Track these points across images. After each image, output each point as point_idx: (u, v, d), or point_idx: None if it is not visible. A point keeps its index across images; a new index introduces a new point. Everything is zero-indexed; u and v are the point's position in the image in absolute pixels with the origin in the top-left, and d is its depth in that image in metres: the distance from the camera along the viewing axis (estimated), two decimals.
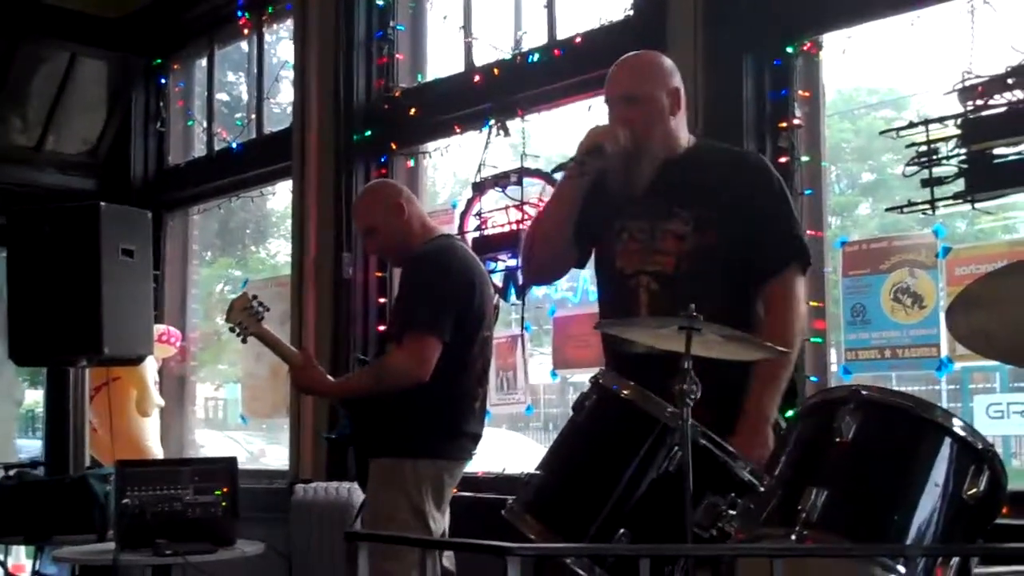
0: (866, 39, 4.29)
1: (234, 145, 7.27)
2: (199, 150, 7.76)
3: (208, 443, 9.07)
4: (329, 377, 4.13)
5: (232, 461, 4.72)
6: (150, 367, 6.57)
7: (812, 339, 4.29)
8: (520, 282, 5.24)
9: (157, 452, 6.67)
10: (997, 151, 3.68)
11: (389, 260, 4.51)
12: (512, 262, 5.29)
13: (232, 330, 4.19)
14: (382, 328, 5.91)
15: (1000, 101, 3.65)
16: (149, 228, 5.58)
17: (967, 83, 3.72)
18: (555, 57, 5.24)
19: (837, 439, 2.35)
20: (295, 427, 6.10)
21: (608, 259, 3.22)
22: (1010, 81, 3.61)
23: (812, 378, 4.27)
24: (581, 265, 3.42)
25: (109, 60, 7.68)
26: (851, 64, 4.38)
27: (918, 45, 4.67)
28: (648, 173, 3.16)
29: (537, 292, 5.37)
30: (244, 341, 4.22)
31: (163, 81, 7.84)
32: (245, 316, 4.16)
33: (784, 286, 3.04)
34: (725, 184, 3.08)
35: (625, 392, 2.66)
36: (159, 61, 7.79)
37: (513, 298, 5.34)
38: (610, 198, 3.20)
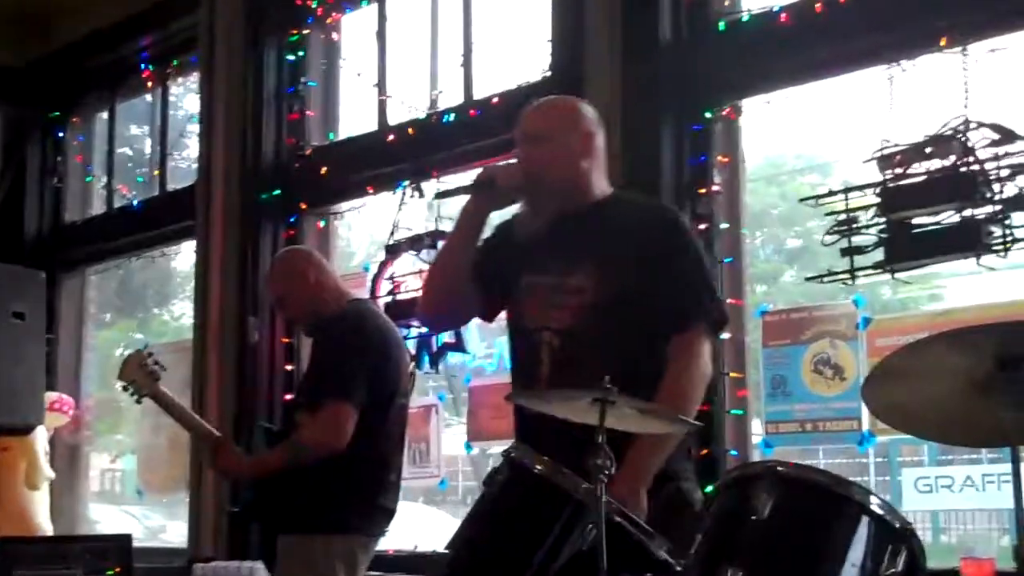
0: (789, 104, 4.39)
1: (135, 202, 7.21)
2: (98, 207, 7.68)
3: (103, 518, 8.87)
4: (245, 459, 4.11)
5: (126, 538, 4.63)
6: (40, 437, 6.42)
7: (732, 411, 4.34)
8: (436, 349, 5.24)
9: (47, 528, 6.50)
10: (916, 220, 3.78)
11: (301, 329, 4.49)
12: (426, 329, 5.29)
13: (125, 389, 4.14)
14: (289, 397, 5.86)
15: (919, 170, 3.75)
16: (42, 288, 5.48)
17: (885, 151, 3.83)
18: (471, 117, 5.29)
19: (753, 516, 2.36)
20: (195, 501, 6.01)
21: (516, 314, 3.19)
22: (928, 150, 3.71)
23: (732, 452, 4.31)
24: (486, 316, 3.37)
25: (3, 111, 7.59)
26: (777, 129, 4.49)
27: (841, 109, 4.82)
28: (552, 221, 3.12)
29: (453, 360, 5.37)
30: (138, 402, 4.17)
31: (61, 134, 7.76)
32: (140, 375, 4.11)
33: (685, 347, 2.97)
34: (633, 236, 3.04)
35: (538, 467, 2.65)
36: (57, 113, 7.71)
37: (427, 366, 5.33)
38: (519, 250, 3.18)
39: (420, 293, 3.36)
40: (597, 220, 3.08)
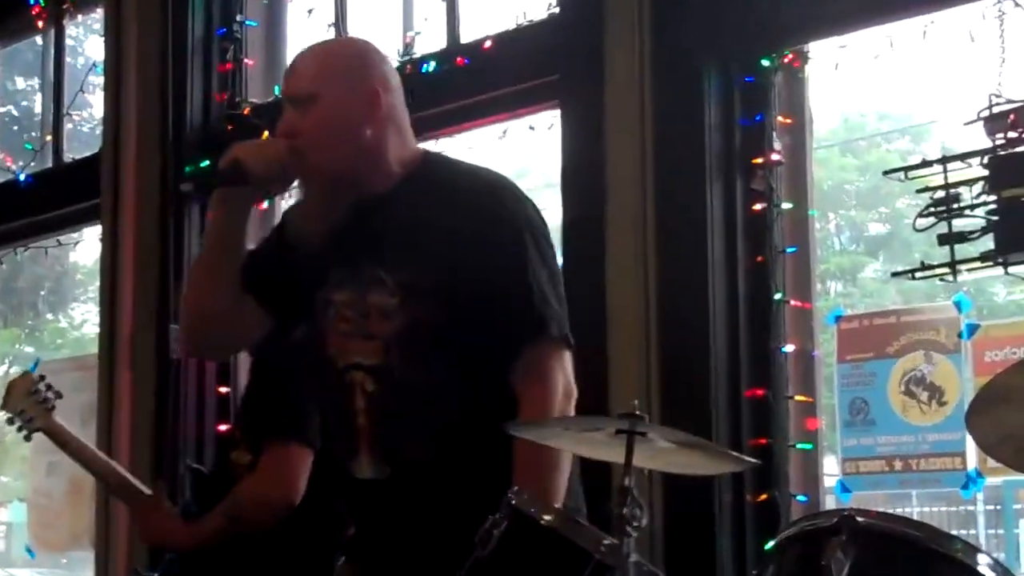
0: (871, 49, 4.38)
1: (22, 176, 7.20)
2: None
3: None
4: (183, 525, 4.10)
5: None
6: None
7: (799, 445, 4.35)
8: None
9: None
10: None
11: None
12: None
13: (10, 422, 4.15)
14: (223, 428, 5.86)
15: None
16: None
17: (995, 110, 3.83)
18: (457, 67, 5.30)
19: None
20: (102, 563, 6.03)
21: (317, 342, 3.06)
22: None
23: (800, 497, 4.32)
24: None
25: None
26: (855, 82, 4.47)
27: (938, 57, 4.81)
28: (339, 213, 2.95)
29: None
30: (27, 438, 4.18)
31: None
32: (29, 404, 4.13)
33: (536, 371, 2.86)
34: (444, 222, 2.88)
35: (547, 517, 2.67)
36: None
37: None
38: (303, 255, 3.03)
39: (182, 326, 3.25)
40: (395, 208, 2.94)
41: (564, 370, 2.88)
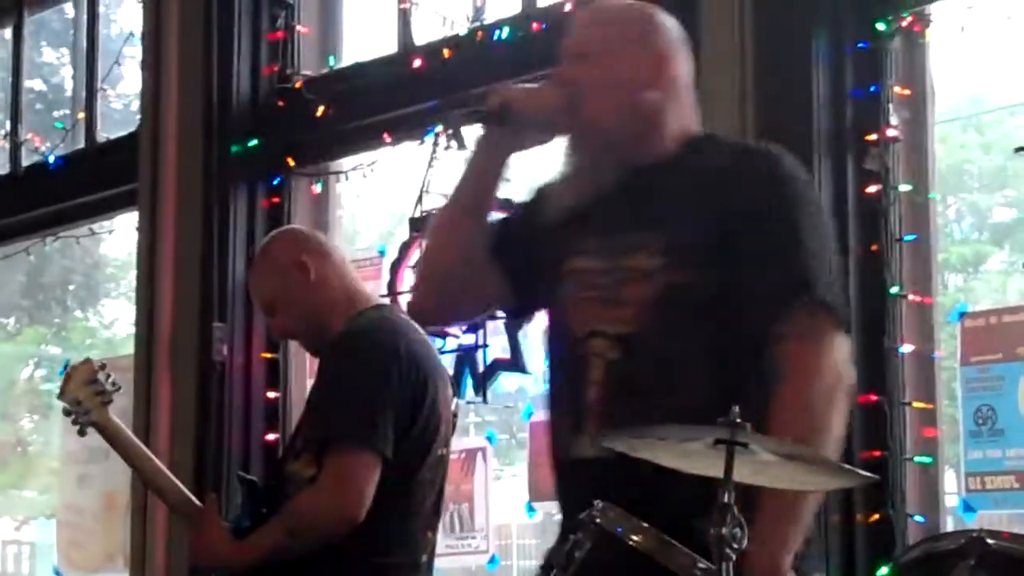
0: (1000, 11, 4.36)
1: (52, 158, 7.28)
2: None
3: None
4: (234, 542, 4.13)
5: None
6: None
7: (917, 458, 4.33)
8: (484, 368, 5.26)
9: None
10: None
11: (307, 348, 4.53)
12: (469, 338, 5.30)
13: (67, 413, 4.19)
14: (272, 437, 5.89)
15: None
16: None
17: None
18: (534, 33, 5.31)
19: None
20: None
21: (557, 315, 3.15)
22: None
23: (917, 517, 4.30)
24: (517, 312, 3.39)
25: None
26: (980, 49, 4.44)
27: None
28: (605, 180, 3.06)
29: (506, 386, 5.39)
30: (82, 433, 4.22)
31: None
32: (88, 394, 4.17)
33: (803, 347, 2.88)
34: (718, 193, 2.96)
35: (635, 538, 2.66)
36: None
37: (470, 393, 5.34)
38: (559, 223, 3.13)
39: (414, 277, 3.34)
40: (669, 176, 3.03)
41: (833, 345, 2.88)
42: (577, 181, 3.08)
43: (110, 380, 4.19)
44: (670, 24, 3.13)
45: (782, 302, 2.87)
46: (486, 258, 3.16)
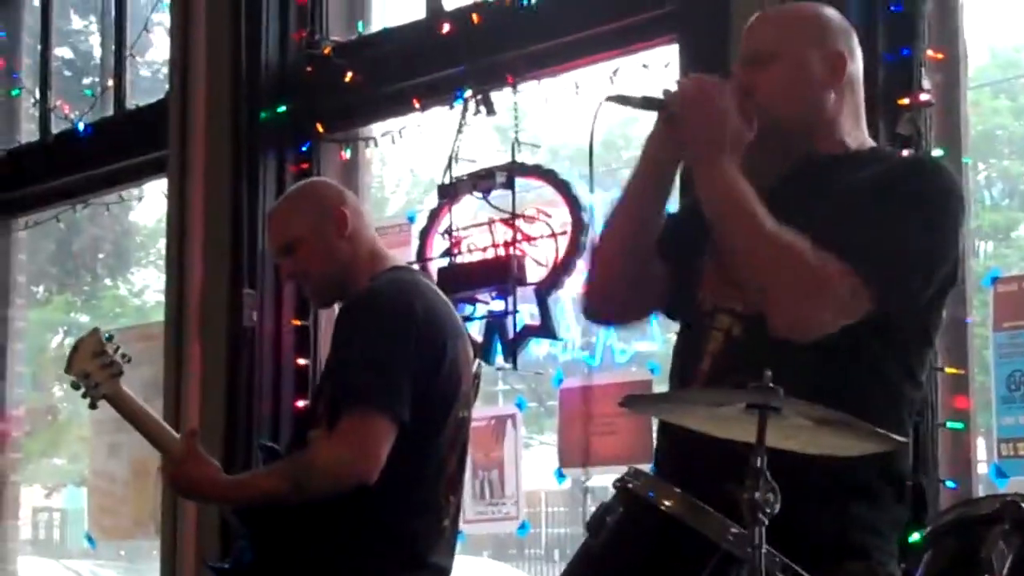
0: None
1: (81, 126, 7.29)
2: (28, 132, 7.79)
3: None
4: (222, 475, 4.12)
5: None
6: None
7: (949, 424, 4.31)
8: (514, 334, 5.26)
9: None
10: None
11: (315, 297, 4.51)
12: (499, 305, 5.30)
13: (75, 387, 4.19)
14: (301, 404, 5.90)
15: None
16: None
17: None
18: None
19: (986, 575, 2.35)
20: (168, 553, 6.09)
21: (687, 296, 3.19)
22: None
23: (949, 483, 4.28)
24: (670, 311, 3.36)
25: None
26: (1009, 10, 4.40)
27: None
28: (777, 175, 3.10)
29: (537, 351, 5.38)
30: (93, 406, 4.22)
31: None
32: (95, 366, 4.17)
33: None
34: (863, 194, 2.98)
35: (667, 503, 2.66)
36: None
37: (499, 360, 5.34)
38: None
39: (585, 274, 3.34)
40: (825, 177, 3.06)
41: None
42: (751, 174, 3.05)
43: (119, 352, 4.18)
44: (839, 19, 3.20)
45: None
46: (655, 260, 3.18)
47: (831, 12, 3.22)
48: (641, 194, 3.17)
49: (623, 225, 3.20)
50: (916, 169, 3.12)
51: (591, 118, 3.15)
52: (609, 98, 3.09)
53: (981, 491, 4.37)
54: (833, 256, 2.86)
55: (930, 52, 4.43)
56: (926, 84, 4.40)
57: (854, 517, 2.89)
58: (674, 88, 3.06)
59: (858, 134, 3.16)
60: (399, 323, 3.94)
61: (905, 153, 3.43)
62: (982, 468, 4.50)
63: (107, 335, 4.22)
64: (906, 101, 4.37)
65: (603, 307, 3.38)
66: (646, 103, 3.08)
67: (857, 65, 3.16)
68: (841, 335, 2.88)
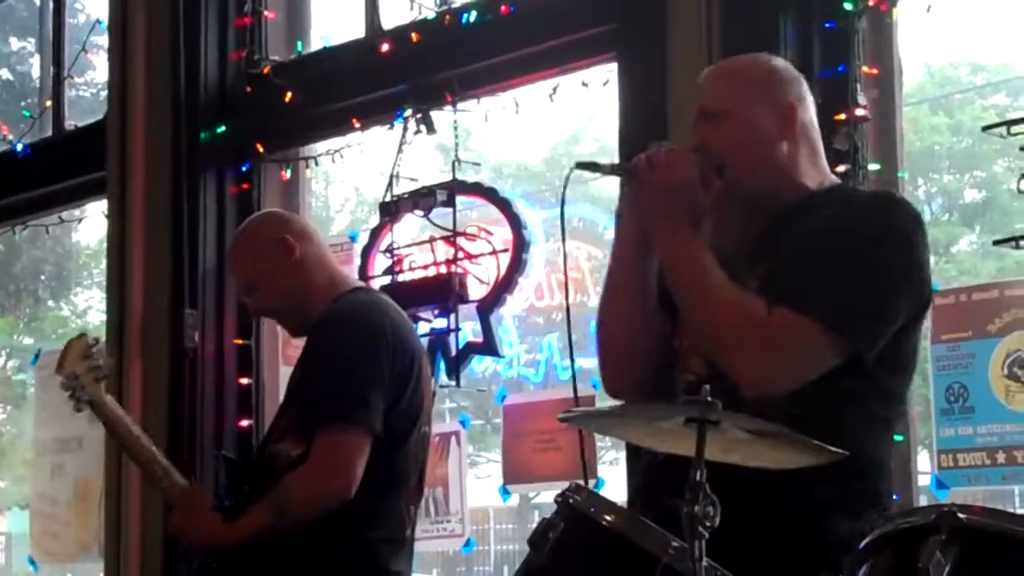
0: None
1: (20, 147, 7.25)
2: None
3: None
4: (221, 522, 4.13)
5: None
6: None
7: None
8: (457, 352, 5.26)
9: None
10: None
11: (288, 329, 4.54)
12: (441, 322, 5.30)
13: (65, 388, 4.19)
14: (245, 423, 5.89)
15: None
16: None
17: None
18: (502, 17, 5.28)
19: None
20: (112, 574, 6.06)
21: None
22: None
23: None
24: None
25: None
26: (945, 29, 4.43)
27: None
28: (745, 232, 3.14)
29: (477, 367, 5.39)
30: (78, 409, 4.23)
31: None
32: (84, 369, 4.18)
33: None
34: (809, 229, 3.03)
35: (608, 518, 2.66)
36: None
37: (443, 378, 5.34)
38: None
39: (598, 360, 3.35)
40: (791, 221, 3.09)
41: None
42: (719, 235, 3.12)
43: (103, 354, 4.20)
44: (788, 70, 3.25)
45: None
46: (658, 316, 3.20)
47: (778, 63, 3.28)
48: (625, 262, 3.21)
49: (621, 297, 3.23)
50: (871, 206, 3.13)
51: (561, 186, 3.20)
52: (578, 165, 3.15)
53: (923, 502, 4.40)
54: (785, 308, 2.89)
55: (865, 68, 4.47)
56: (862, 100, 4.44)
57: (834, 536, 2.91)
58: (643, 156, 3.08)
59: (816, 174, 3.18)
60: (369, 339, 3.99)
61: (863, 189, 3.49)
62: (925, 479, 4.52)
63: (94, 339, 4.25)
64: (843, 117, 4.40)
65: (620, 382, 3.36)
66: (615, 170, 3.16)
67: (809, 110, 3.19)
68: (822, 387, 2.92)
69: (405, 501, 4.10)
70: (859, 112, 4.42)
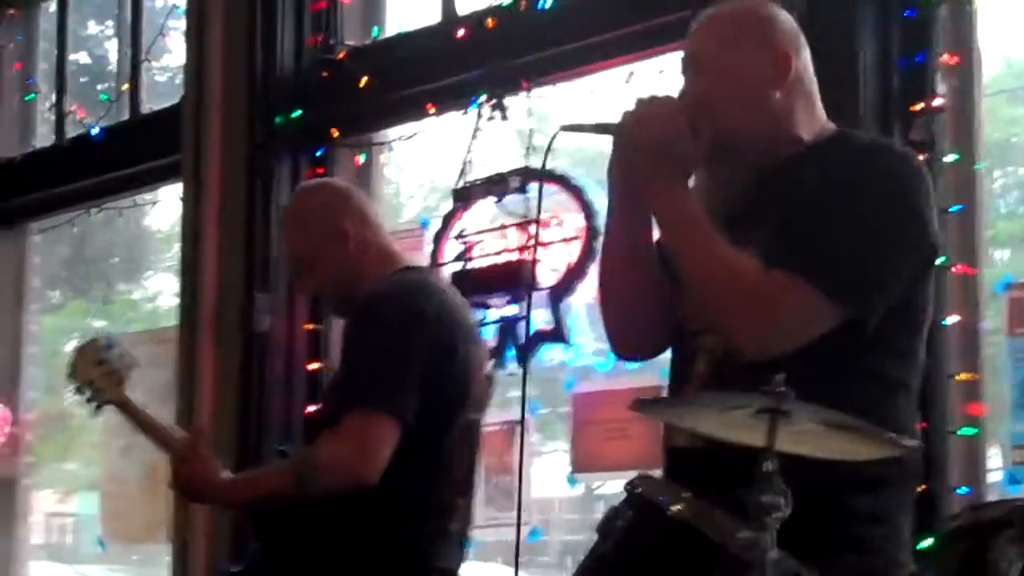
0: None
1: (96, 130, 7.30)
2: (43, 136, 7.81)
3: None
4: (227, 473, 4.11)
5: None
6: None
7: (961, 431, 4.30)
8: (527, 339, 5.26)
9: None
10: None
11: (334, 310, 4.54)
12: (512, 309, 5.30)
13: (79, 391, 4.20)
14: (313, 409, 5.91)
15: None
16: None
17: None
18: (578, 2, 5.30)
19: None
20: (179, 558, 6.10)
21: (679, 311, 3.16)
22: None
23: (961, 489, 4.27)
24: None
25: None
26: (1021, 19, 4.40)
27: None
28: (738, 187, 3.06)
29: (549, 356, 5.38)
30: (96, 413, 4.24)
31: None
32: (100, 375, 4.16)
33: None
34: (828, 191, 2.93)
35: (676, 507, 2.66)
36: None
37: (512, 364, 5.34)
38: None
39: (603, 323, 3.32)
40: (788, 176, 3.02)
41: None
42: (711, 190, 3.06)
43: (122, 357, 4.18)
44: (785, 18, 3.13)
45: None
46: (662, 280, 3.14)
47: (775, 11, 3.15)
48: (622, 225, 3.14)
49: (616, 261, 3.19)
50: (869, 161, 3.01)
51: (545, 149, 3.15)
52: (564, 127, 3.07)
53: (994, 498, 4.37)
54: (781, 270, 2.84)
55: (944, 57, 4.43)
56: (940, 89, 4.40)
57: (854, 509, 2.87)
58: (628, 111, 3.01)
59: (813, 124, 3.08)
60: (406, 323, 3.94)
61: (862, 136, 3.29)
62: (997, 476, 4.49)
63: (106, 341, 4.22)
64: (920, 106, 4.37)
65: (626, 346, 3.36)
66: (600, 129, 3.07)
67: (804, 61, 3.08)
68: (821, 342, 2.87)
69: (451, 492, 4.05)
70: (937, 102, 4.38)
